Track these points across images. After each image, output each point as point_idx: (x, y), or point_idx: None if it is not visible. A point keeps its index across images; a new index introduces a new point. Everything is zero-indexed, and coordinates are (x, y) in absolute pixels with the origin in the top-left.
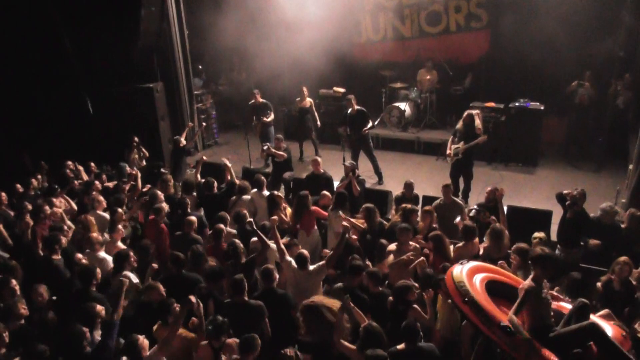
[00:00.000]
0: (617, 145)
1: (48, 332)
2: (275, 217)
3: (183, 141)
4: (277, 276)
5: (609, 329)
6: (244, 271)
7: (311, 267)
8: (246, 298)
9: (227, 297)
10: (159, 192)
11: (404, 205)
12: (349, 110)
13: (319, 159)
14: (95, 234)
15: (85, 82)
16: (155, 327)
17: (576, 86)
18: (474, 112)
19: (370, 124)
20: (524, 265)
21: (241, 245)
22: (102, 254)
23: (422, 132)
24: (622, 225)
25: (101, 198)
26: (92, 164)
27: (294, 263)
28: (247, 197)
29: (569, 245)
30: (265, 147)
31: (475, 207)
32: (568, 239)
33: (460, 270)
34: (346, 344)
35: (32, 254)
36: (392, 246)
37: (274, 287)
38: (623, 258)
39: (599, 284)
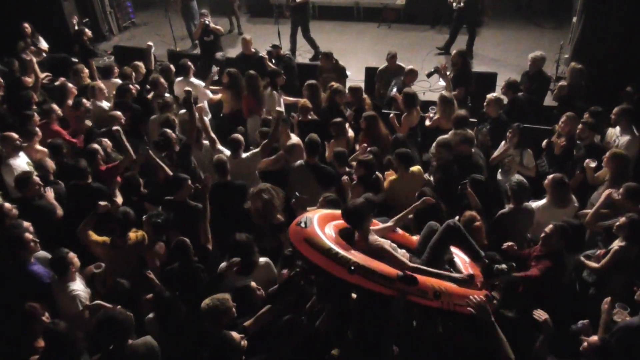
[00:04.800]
0: None
1: None
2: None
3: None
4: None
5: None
6: (180, 160)
7: (244, 155)
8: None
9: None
10: (70, 85)
11: (331, 84)
12: None
13: (248, 38)
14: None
15: None
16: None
17: None
18: None
19: None
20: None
21: (172, 133)
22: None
23: None
24: (564, 82)
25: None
26: None
27: (226, 151)
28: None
29: None
30: (207, 22)
31: (433, 69)
32: None
33: (316, 235)
34: None
35: None
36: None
37: (228, 180)
38: (568, 113)
39: (543, 144)
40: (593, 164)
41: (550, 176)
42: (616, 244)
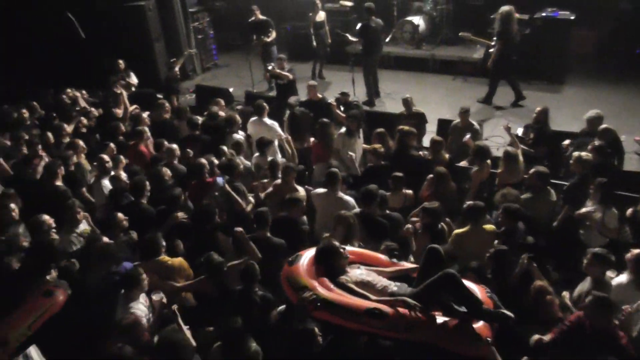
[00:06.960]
0: None
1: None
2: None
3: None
4: None
5: (474, 288)
6: None
7: (340, 195)
8: (268, 234)
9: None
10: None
11: (400, 127)
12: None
13: (315, 84)
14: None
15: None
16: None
17: None
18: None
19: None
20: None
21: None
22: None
23: (437, 48)
24: None
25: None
26: (84, 92)
27: (320, 189)
28: (238, 136)
29: None
30: (270, 67)
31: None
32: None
33: (297, 274)
34: None
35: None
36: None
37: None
38: None
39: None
40: None
41: (635, 251)
42: None
